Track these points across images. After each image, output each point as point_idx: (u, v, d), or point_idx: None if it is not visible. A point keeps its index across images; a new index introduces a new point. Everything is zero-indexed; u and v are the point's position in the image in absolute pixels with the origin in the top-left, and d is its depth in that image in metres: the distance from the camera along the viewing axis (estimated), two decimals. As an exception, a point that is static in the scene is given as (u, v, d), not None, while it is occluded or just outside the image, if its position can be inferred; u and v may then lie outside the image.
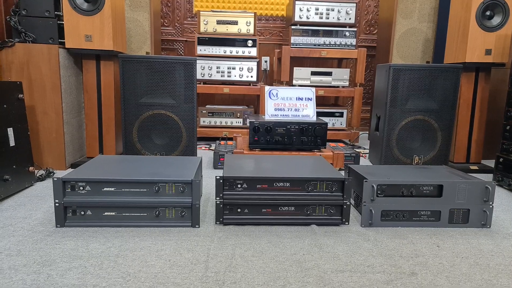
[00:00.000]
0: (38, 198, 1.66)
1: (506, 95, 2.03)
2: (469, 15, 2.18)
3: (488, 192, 1.42)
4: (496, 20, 2.20)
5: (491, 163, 2.34)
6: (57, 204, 1.32)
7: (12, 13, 2.05)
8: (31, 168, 1.83)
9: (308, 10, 3.00)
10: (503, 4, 2.16)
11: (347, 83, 3.12)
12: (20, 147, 1.78)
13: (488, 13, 2.19)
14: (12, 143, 1.73)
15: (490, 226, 1.46)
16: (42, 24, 2.08)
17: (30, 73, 2.02)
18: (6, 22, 2.07)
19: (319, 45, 3.03)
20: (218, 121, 3.08)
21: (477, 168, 2.34)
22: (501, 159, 2.03)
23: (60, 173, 2.01)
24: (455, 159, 2.42)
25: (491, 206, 1.44)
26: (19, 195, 1.71)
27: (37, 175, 1.92)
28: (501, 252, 1.26)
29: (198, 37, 3.00)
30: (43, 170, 2.01)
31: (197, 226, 1.37)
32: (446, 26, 2.44)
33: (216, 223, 1.40)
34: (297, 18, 3.00)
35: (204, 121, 3.07)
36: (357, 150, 2.78)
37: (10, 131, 1.72)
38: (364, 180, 1.41)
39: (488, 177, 2.10)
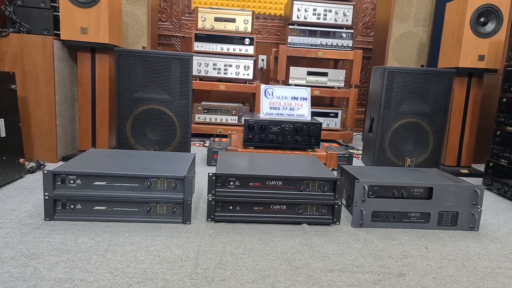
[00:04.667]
0: (28, 190, 1.65)
1: (498, 100, 2.06)
2: (464, 21, 2.20)
3: (477, 196, 1.44)
4: (490, 26, 2.22)
5: (481, 167, 2.37)
6: (46, 197, 1.31)
7: (7, 3, 2.02)
8: (21, 160, 1.81)
9: (306, 10, 3.00)
10: (497, 11, 2.19)
11: (342, 84, 3.13)
12: (11, 138, 1.76)
13: (482, 19, 2.22)
14: (3, 134, 1.71)
15: (478, 229, 1.48)
16: (37, 15, 2.06)
17: (24, 63, 2.00)
18: (0, 12, 2.05)
19: (315, 46, 3.04)
20: (213, 118, 3.07)
21: (468, 172, 2.37)
22: (491, 164, 2.06)
23: (51, 166, 1.99)
24: (446, 162, 2.44)
25: (479, 210, 1.46)
26: (8, 187, 1.69)
27: (28, 167, 1.90)
28: (488, 255, 1.28)
29: (196, 33, 2.99)
30: (34, 162, 1.99)
31: (188, 222, 1.37)
32: (440, 31, 2.46)
33: (207, 220, 1.40)
34: (294, 18, 3.01)
35: (199, 117, 3.06)
36: (351, 150, 2.79)
37: (1, 121, 1.70)
38: (356, 180, 1.42)
39: (478, 181, 2.13)
